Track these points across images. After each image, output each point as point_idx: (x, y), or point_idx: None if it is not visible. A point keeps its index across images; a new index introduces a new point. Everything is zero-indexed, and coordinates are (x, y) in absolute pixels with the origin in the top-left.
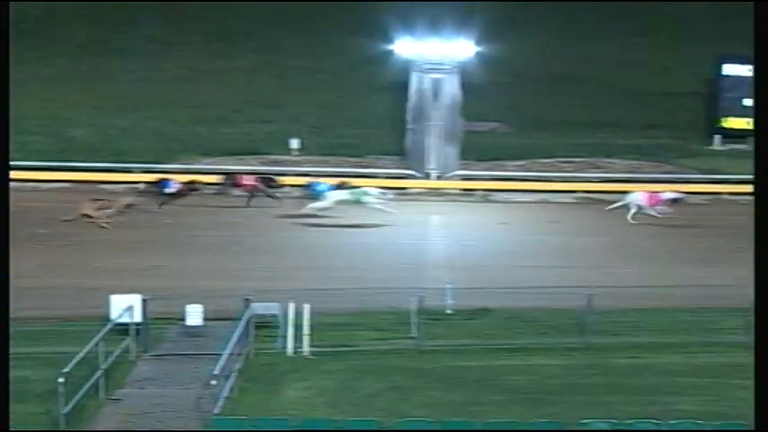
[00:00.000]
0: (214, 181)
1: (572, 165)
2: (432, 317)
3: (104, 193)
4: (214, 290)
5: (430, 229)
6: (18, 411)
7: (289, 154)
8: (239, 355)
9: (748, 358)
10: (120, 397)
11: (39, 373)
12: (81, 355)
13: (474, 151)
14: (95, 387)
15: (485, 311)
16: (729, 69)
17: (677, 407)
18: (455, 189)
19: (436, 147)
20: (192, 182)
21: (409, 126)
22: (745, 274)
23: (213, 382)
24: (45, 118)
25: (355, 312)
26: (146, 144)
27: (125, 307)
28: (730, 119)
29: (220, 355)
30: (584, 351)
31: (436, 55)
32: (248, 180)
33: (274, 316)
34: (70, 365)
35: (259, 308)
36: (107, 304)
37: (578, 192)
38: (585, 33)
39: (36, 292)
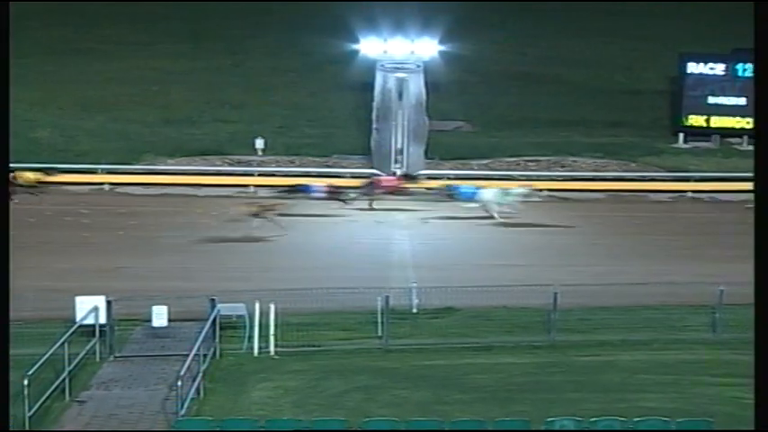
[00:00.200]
0: (356, 184)
1: (537, 163)
2: (397, 316)
3: (69, 194)
4: (179, 290)
5: (396, 227)
6: None
7: (254, 154)
8: (205, 355)
9: (712, 355)
10: (85, 399)
11: None
12: (46, 357)
13: (439, 150)
14: (60, 389)
15: (450, 310)
16: (693, 68)
17: (642, 404)
18: (420, 188)
19: (402, 146)
20: (334, 185)
21: (374, 125)
22: (708, 271)
23: (179, 384)
24: None
25: (321, 312)
26: (110, 145)
27: (90, 308)
28: (694, 117)
29: (186, 355)
30: (550, 349)
31: (401, 54)
32: (389, 182)
33: (240, 316)
34: (35, 367)
35: (225, 308)
36: (72, 306)
37: (543, 190)
38: (549, 32)
39: None
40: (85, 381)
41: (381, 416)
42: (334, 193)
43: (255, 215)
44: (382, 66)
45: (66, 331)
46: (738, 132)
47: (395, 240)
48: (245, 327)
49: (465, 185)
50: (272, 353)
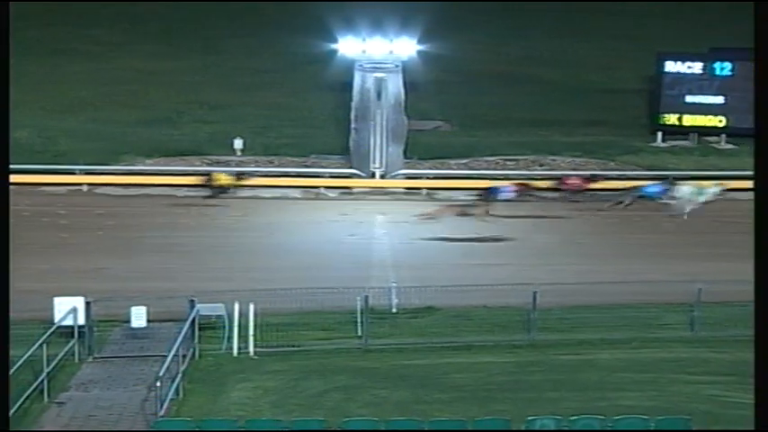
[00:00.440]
0: (545, 185)
1: (516, 163)
2: (377, 316)
3: (47, 195)
4: (159, 291)
5: (375, 227)
6: None
7: (233, 154)
8: (184, 356)
9: (690, 353)
10: (64, 400)
11: None
12: (24, 358)
13: (418, 150)
14: (39, 390)
15: (430, 310)
16: (670, 66)
17: (621, 402)
18: (400, 188)
19: (380, 146)
20: (524, 185)
21: (353, 125)
22: (686, 270)
23: (158, 384)
24: None
25: (300, 312)
26: (89, 145)
27: (68, 309)
28: (672, 116)
29: (165, 356)
30: (530, 348)
31: (379, 54)
32: (573, 180)
33: (219, 317)
34: (13, 369)
35: (204, 309)
36: (50, 307)
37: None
38: (528, 32)
39: None
40: (64, 382)
41: (361, 416)
42: (526, 194)
43: (462, 215)
44: (361, 65)
45: (45, 332)
46: (716, 131)
47: (375, 240)
48: (224, 327)
49: (650, 184)
50: (252, 353)
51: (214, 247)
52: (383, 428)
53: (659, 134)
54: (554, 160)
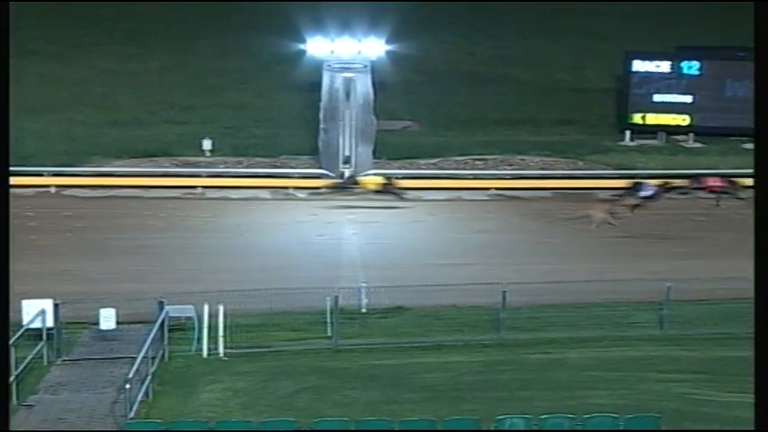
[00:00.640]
0: (683, 184)
1: (485, 162)
2: (347, 316)
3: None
4: (128, 293)
5: (344, 228)
6: None
7: (202, 155)
8: (154, 358)
9: (660, 351)
10: (33, 403)
11: None
12: None
13: (387, 150)
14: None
15: (400, 310)
16: (638, 66)
17: (591, 401)
18: (369, 188)
19: (349, 146)
20: (666, 184)
21: (322, 125)
22: (655, 268)
23: (127, 386)
24: None
25: (270, 313)
26: (56, 147)
27: (37, 312)
28: (640, 115)
29: (134, 358)
30: (499, 347)
31: (348, 54)
32: (714, 181)
33: (189, 318)
34: None
35: (173, 310)
36: (18, 309)
37: (492, 189)
38: (496, 31)
39: None
40: (33, 385)
41: (331, 416)
42: (666, 192)
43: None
44: (329, 66)
45: (13, 335)
46: (684, 130)
47: (344, 240)
48: (193, 328)
49: None
50: (222, 354)
51: (183, 249)
52: (353, 429)
53: (628, 133)
54: (523, 160)
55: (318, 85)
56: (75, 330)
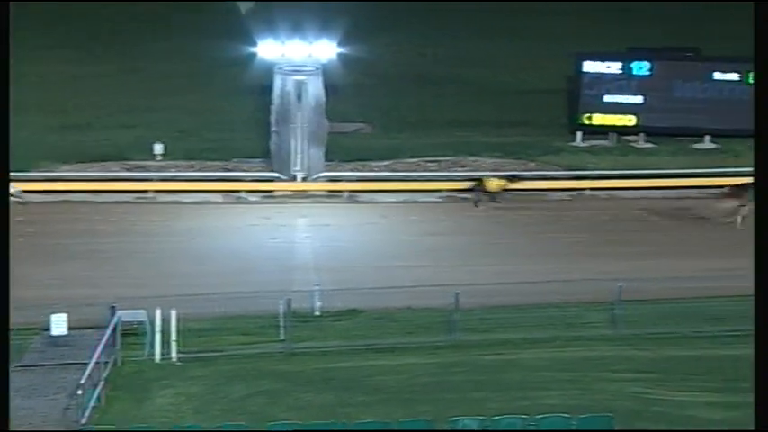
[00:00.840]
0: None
1: (437, 164)
2: (300, 319)
3: None
4: (79, 298)
5: (297, 231)
6: None
7: (153, 159)
8: (106, 363)
9: (612, 351)
10: None
11: None
12: None
13: (339, 152)
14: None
15: (353, 312)
16: (589, 67)
17: (544, 401)
18: (321, 191)
19: (301, 149)
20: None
21: (274, 128)
22: (607, 268)
23: (80, 392)
24: None
25: (223, 317)
26: None
27: None
28: (591, 115)
29: (87, 363)
30: (453, 349)
31: (299, 57)
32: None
33: (141, 323)
34: None
35: (126, 315)
36: None
37: (444, 191)
38: (447, 33)
39: None
40: None
41: (284, 420)
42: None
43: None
44: (280, 68)
45: None
46: (635, 130)
47: (297, 243)
48: (146, 333)
49: None
50: (174, 359)
51: (135, 253)
52: (307, 431)
53: (579, 134)
54: (475, 161)
55: (270, 88)
56: (27, 336)
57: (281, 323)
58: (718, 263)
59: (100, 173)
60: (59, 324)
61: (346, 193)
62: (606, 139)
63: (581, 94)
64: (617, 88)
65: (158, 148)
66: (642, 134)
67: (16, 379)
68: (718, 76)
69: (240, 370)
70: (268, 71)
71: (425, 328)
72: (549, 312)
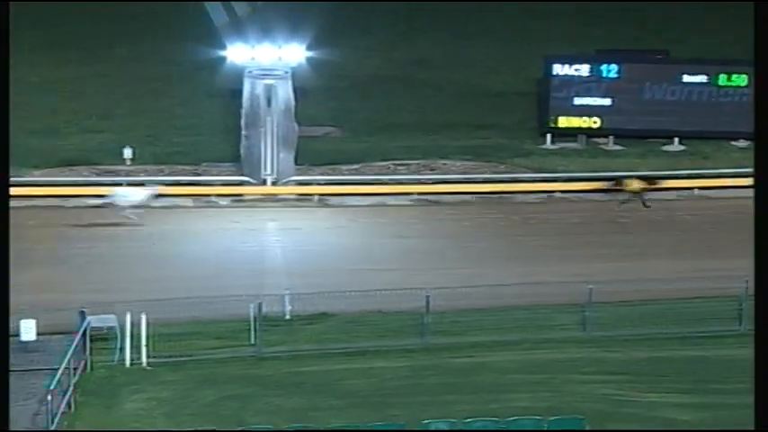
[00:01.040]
0: None
1: (407, 167)
2: (271, 323)
3: None
4: (48, 303)
5: (267, 235)
6: None
7: (122, 163)
8: (76, 369)
9: (583, 353)
10: None
11: None
12: None
13: (309, 156)
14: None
15: (324, 316)
16: (558, 69)
17: (515, 404)
18: (291, 195)
19: (271, 152)
20: None
21: (243, 132)
22: (577, 271)
23: (49, 398)
24: None
25: (193, 321)
26: None
27: None
28: (561, 118)
29: (56, 369)
30: (424, 352)
31: (268, 61)
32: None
33: (111, 328)
34: None
35: (95, 320)
36: None
37: (414, 194)
38: (416, 36)
39: None
40: None
41: (255, 424)
42: None
43: None
44: (250, 72)
45: None
46: (604, 133)
47: (267, 247)
48: (116, 338)
49: None
50: (145, 364)
51: (105, 258)
52: None
53: (548, 136)
54: (444, 164)
55: (239, 91)
56: None
57: (252, 327)
58: (688, 264)
59: (68, 178)
60: (28, 330)
61: (316, 197)
62: (575, 141)
63: (550, 97)
64: (586, 90)
65: (128, 153)
66: (611, 136)
67: None
68: (686, 78)
69: (211, 374)
70: (238, 75)
71: (396, 332)
72: (519, 315)
